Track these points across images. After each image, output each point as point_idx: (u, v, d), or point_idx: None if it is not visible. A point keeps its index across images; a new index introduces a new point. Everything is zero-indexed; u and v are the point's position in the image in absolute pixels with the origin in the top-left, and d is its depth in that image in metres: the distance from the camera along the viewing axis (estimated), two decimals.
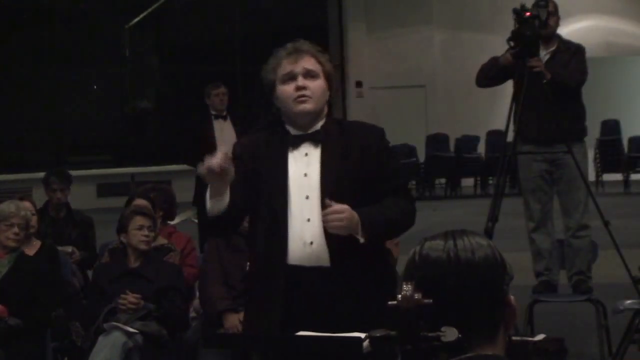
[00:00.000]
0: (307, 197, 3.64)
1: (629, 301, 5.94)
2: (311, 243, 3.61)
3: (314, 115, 3.71)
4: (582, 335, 6.72)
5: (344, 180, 3.64)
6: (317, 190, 3.63)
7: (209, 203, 3.56)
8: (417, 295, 1.80)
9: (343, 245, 3.59)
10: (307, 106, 3.68)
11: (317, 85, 3.70)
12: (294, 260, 3.61)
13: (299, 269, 3.60)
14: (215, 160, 3.43)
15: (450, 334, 1.82)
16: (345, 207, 3.55)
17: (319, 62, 3.74)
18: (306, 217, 3.62)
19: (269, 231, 3.64)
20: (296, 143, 3.71)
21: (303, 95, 3.67)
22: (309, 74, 3.69)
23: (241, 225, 3.86)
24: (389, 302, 1.81)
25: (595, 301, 6.39)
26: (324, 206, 3.58)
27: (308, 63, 3.71)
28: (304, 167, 3.68)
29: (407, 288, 1.82)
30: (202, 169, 3.44)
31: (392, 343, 1.81)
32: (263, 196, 3.65)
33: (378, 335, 1.83)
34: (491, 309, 1.92)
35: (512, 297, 1.97)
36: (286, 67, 3.70)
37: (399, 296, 1.81)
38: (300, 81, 3.68)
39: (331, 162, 3.66)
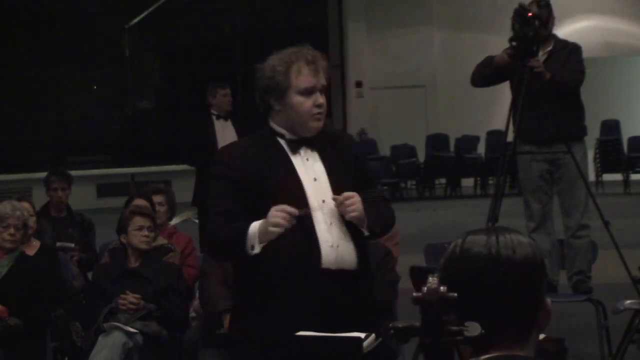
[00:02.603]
0: (323, 201, 3.64)
1: (629, 301, 5.94)
2: (337, 246, 3.62)
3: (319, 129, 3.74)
4: (582, 335, 6.72)
5: (348, 185, 3.67)
6: (329, 194, 3.65)
7: (257, 247, 3.52)
8: (442, 288, 1.78)
9: (360, 247, 3.66)
10: (321, 124, 3.70)
11: (325, 101, 3.72)
12: (324, 264, 3.61)
13: (327, 272, 3.60)
14: (285, 218, 3.45)
15: (473, 329, 1.80)
16: (353, 192, 3.60)
17: (325, 74, 3.72)
18: (328, 221, 3.63)
19: (296, 236, 3.57)
20: (294, 148, 3.70)
21: (320, 113, 3.67)
22: (322, 90, 3.69)
23: None
24: (414, 294, 1.80)
25: (595, 301, 6.38)
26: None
27: (323, 78, 3.68)
28: (311, 172, 3.68)
29: (432, 280, 1.79)
30: (288, 221, 3.45)
31: (414, 335, 1.79)
32: (277, 202, 3.56)
33: (401, 326, 1.81)
34: (526, 310, 1.91)
35: (548, 300, 1.95)
36: (307, 79, 3.64)
37: (424, 288, 1.79)
38: (320, 98, 3.66)
39: (333, 167, 3.69)
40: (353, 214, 3.58)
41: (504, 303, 1.89)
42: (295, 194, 3.62)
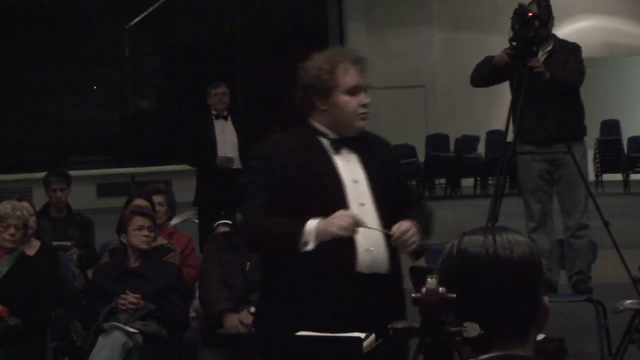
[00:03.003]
0: (362, 204, 3.63)
1: (629, 301, 5.94)
2: (372, 250, 3.62)
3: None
4: (582, 335, 6.72)
5: (387, 187, 3.67)
6: (369, 197, 3.65)
7: (311, 244, 3.51)
8: (441, 289, 1.78)
9: (395, 252, 3.66)
10: (364, 123, 3.71)
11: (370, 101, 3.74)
12: (358, 267, 3.61)
13: (360, 276, 3.60)
14: (350, 223, 3.46)
15: (472, 329, 1.80)
16: (409, 223, 3.59)
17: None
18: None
19: (334, 238, 3.56)
20: (337, 148, 3.69)
21: (365, 113, 3.68)
22: (367, 90, 3.70)
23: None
24: (413, 295, 1.80)
25: (595, 301, 6.38)
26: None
27: (368, 76, 3.70)
28: (352, 174, 3.67)
29: (431, 281, 1.80)
30: (350, 229, 3.45)
31: (413, 335, 1.79)
32: (316, 201, 3.57)
33: (400, 327, 1.82)
34: (524, 309, 1.91)
35: (546, 299, 1.95)
36: (354, 78, 3.66)
37: (423, 289, 1.79)
38: (366, 98, 3.67)
39: (372, 171, 3.68)
40: (410, 248, 3.60)
41: (503, 302, 1.89)
42: (336, 194, 3.61)
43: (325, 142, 3.70)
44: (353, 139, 3.70)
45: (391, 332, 1.82)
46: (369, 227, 3.56)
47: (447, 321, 1.77)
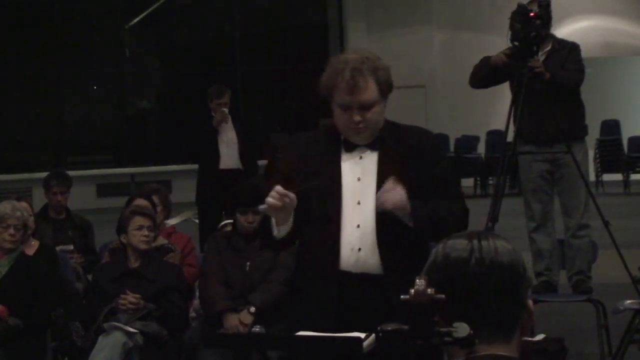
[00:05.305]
0: (358, 203, 3.60)
1: (629, 301, 5.93)
2: (359, 249, 3.58)
3: (371, 138, 3.65)
4: (582, 335, 6.72)
5: (404, 185, 3.56)
6: (371, 196, 3.59)
7: (275, 229, 3.55)
8: (430, 290, 1.79)
9: (392, 252, 3.58)
10: (363, 135, 3.62)
11: (373, 114, 3.59)
12: (344, 266, 3.58)
13: (347, 275, 3.58)
14: (274, 196, 3.45)
15: (461, 329, 1.81)
16: (392, 184, 3.52)
17: (377, 82, 3.58)
18: (356, 223, 3.59)
19: (320, 236, 3.59)
20: (350, 146, 3.65)
21: (358, 128, 3.59)
22: (364, 106, 3.57)
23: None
24: (402, 297, 1.80)
25: (595, 301, 6.38)
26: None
27: (365, 94, 3.55)
28: (358, 172, 3.63)
29: (420, 283, 1.81)
30: (264, 208, 3.47)
31: (404, 337, 1.80)
32: (314, 198, 3.58)
33: (390, 329, 1.82)
34: (510, 311, 1.94)
35: (530, 302, 1.98)
36: (343, 95, 3.56)
37: (412, 291, 1.80)
38: (356, 115, 3.56)
39: (388, 169, 3.59)
40: (386, 206, 3.50)
41: (489, 305, 1.92)
42: (331, 192, 3.60)
43: (341, 140, 3.67)
44: (374, 141, 3.64)
45: (380, 334, 1.82)
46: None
47: (437, 322, 1.79)
